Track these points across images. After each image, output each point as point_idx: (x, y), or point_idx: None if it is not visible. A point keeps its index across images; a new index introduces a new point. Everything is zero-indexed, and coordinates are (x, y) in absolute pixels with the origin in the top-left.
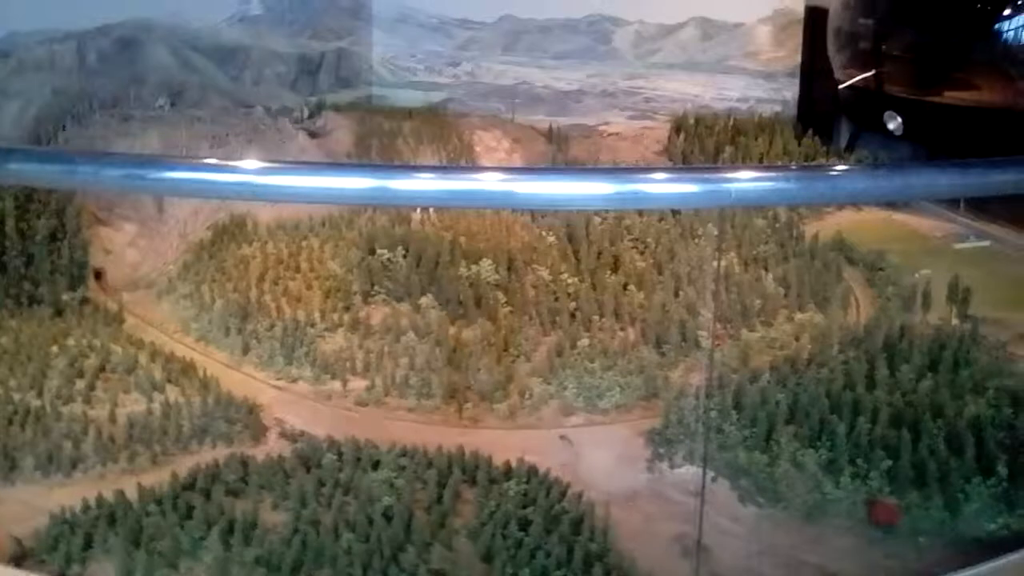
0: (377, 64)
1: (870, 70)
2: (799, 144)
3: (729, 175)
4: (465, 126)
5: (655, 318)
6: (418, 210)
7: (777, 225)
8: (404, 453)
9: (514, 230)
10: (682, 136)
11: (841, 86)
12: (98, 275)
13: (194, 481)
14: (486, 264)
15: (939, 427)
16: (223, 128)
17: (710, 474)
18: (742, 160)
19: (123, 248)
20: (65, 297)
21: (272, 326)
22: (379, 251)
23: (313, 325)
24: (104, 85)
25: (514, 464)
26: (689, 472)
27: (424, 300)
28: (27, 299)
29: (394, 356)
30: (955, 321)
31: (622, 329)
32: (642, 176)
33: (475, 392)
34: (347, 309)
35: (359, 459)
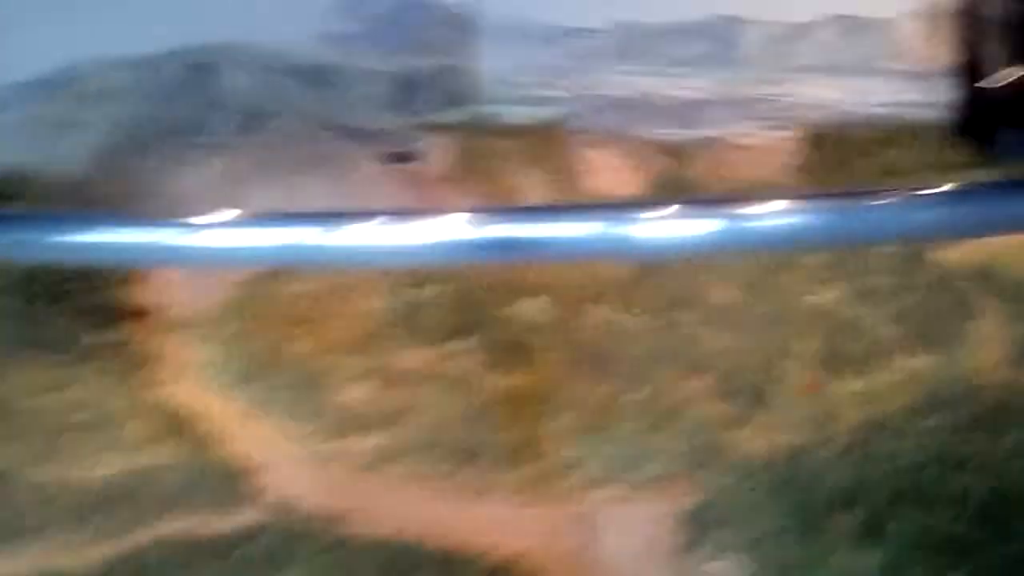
0: (487, 80)
1: None
2: (948, 152)
3: (744, 209)
4: (575, 143)
5: (730, 365)
6: None
7: (901, 248)
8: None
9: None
10: (814, 148)
11: (990, 83)
12: (140, 315)
13: (138, 555)
14: (539, 301)
15: None
16: (288, 155)
17: (749, 569)
18: (881, 174)
19: (173, 286)
20: (91, 341)
21: (296, 372)
22: (420, 287)
23: (337, 373)
24: (175, 113)
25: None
26: (724, 568)
27: (463, 344)
28: (49, 344)
29: (416, 410)
30: None
31: (689, 378)
32: (623, 214)
33: (496, 455)
34: (377, 354)
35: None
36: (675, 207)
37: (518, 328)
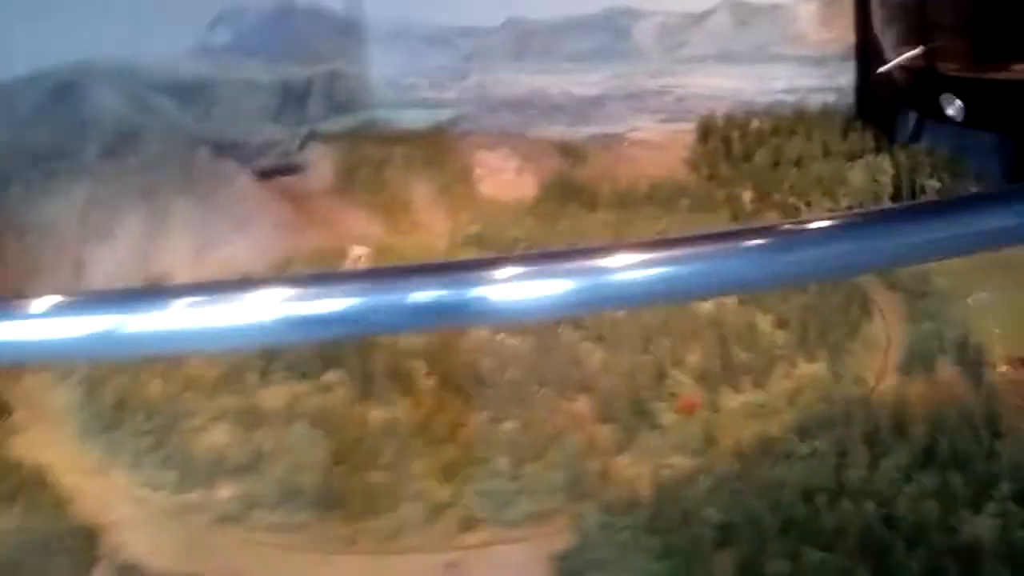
0: (377, 84)
1: (920, 45)
2: (846, 138)
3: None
4: (468, 146)
5: (613, 385)
6: (354, 250)
7: None
8: None
9: None
10: (712, 139)
11: (884, 67)
12: None
13: None
14: None
15: (920, 557)
16: (157, 176)
17: None
18: (776, 165)
19: None
20: None
21: (152, 417)
22: None
23: (197, 416)
24: (40, 137)
25: None
26: None
27: (331, 378)
28: None
29: (278, 454)
30: (1003, 369)
31: (570, 401)
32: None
33: (361, 500)
34: (239, 392)
35: None
36: (524, 268)
37: (390, 356)
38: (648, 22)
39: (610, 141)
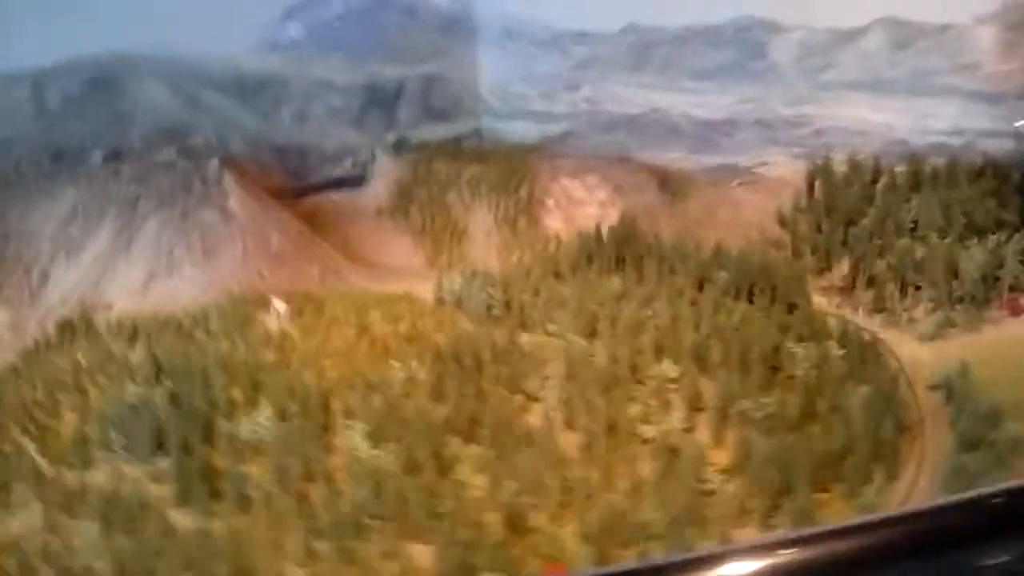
0: (481, 91)
1: None
2: (993, 203)
3: None
4: (554, 170)
5: (466, 536)
6: (274, 304)
7: (834, 350)
8: None
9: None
10: (818, 190)
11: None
12: None
13: None
14: (266, 413)
15: None
16: (144, 189)
17: None
18: (882, 233)
19: None
20: None
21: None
22: (146, 384)
23: (17, 493)
24: (72, 132)
25: None
26: None
27: (164, 464)
28: None
29: (64, 553)
30: None
31: (409, 542)
32: None
33: None
34: (78, 466)
35: None
36: None
37: (232, 450)
38: (787, 38)
39: (725, 175)
